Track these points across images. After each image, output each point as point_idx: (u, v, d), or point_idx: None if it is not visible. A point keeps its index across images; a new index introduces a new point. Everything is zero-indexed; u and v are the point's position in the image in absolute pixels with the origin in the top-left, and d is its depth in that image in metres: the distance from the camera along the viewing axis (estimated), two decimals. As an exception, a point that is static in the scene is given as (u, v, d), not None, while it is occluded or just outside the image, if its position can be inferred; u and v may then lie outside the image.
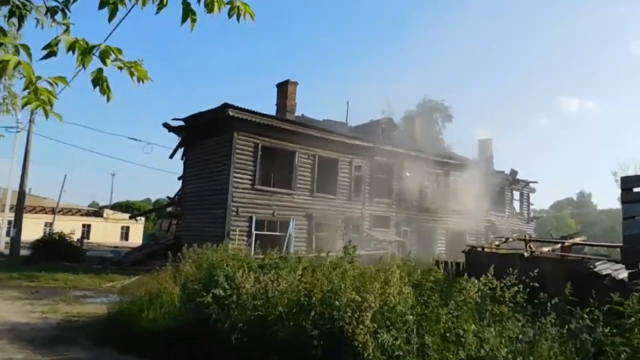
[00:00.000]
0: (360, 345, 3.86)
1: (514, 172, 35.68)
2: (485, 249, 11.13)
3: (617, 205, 70.46)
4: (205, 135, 20.57)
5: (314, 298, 4.48)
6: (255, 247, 18.56)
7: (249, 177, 19.14)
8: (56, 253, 19.16)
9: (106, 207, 63.30)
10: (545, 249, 10.41)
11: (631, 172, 77.61)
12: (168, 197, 25.23)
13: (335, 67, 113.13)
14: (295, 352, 4.19)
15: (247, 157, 19.14)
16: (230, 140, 18.65)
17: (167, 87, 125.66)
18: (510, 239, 12.77)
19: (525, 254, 9.43)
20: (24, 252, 20.47)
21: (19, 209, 21.02)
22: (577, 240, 11.59)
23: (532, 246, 12.66)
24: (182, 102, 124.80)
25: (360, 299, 4.05)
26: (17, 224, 20.84)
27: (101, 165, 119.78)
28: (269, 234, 19.59)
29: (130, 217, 37.99)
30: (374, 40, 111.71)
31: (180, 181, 23.75)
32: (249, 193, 19.07)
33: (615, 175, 67.52)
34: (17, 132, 24.00)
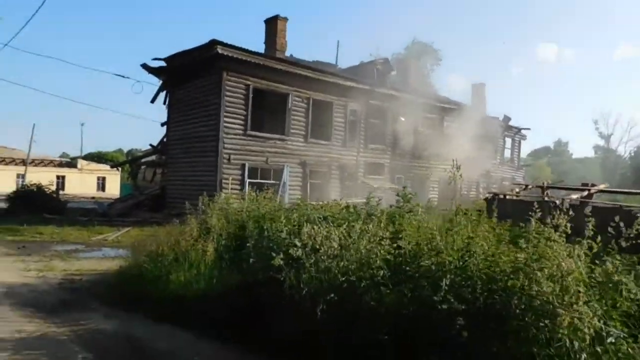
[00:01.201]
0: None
1: (507, 119, 35.40)
2: (507, 197, 10.74)
3: (592, 153, 72.05)
4: (191, 77, 19.30)
5: (435, 260, 3.65)
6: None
7: (241, 121, 18.19)
8: (35, 205, 18.22)
9: (78, 158, 61.39)
10: (574, 196, 10.02)
11: (612, 121, 78.95)
12: (151, 145, 24.13)
13: (321, 5, 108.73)
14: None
15: (238, 100, 18.10)
16: (219, 81, 17.51)
17: (135, 27, 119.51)
18: (530, 186, 12.41)
19: (557, 202, 9.04)
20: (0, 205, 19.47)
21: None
22: (602, 187, 11.24)
23: (548, 193, 12.38)
24: (153, 42, 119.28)
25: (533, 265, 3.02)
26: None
27: (68, 114, 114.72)
28: (263, 182, 18.90)
29: (112, 167, 36.73)
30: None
31: (164, 128, 22.63)
32: (241, 139, 18.21)
33: (596, 123, 68.44)
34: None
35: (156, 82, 21.97)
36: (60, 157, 63.64)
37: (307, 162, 20.44)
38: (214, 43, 16.72)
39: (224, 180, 17.47)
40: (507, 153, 36.54)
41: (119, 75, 19.04)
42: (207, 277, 5.30)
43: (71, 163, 54.41)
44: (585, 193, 10.75)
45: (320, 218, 5.39)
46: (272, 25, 22.92)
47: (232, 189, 17.62)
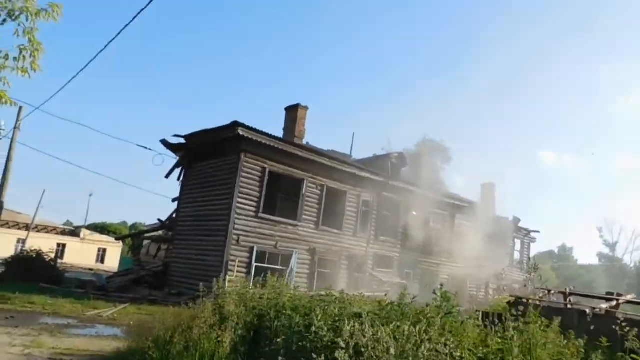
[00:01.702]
0: None
1: (516, 220, 35.12)
2: (530, 301, 10.12)
3: (596, 260, 70.84)
4: (208, 156, 19.51)
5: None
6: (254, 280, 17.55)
7: (254, 203, 18.00)
8: (32, 273, 17.57)
9: (82, 227, 61.05)
10: (603, 305, 9.40)
11: (616, 230, 78.61)
12: (159, 220, 23.81)
13: (338, 98, 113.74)
14: None
15: (253, 182, 18.07)
16: (237, 162, 17.60)
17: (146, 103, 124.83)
18: (552, 292, 11.78)
19: (587, 311, 8.43)
20: (-3, 269, 18.81)
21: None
22: (629, 297, 10.65)
23: (571, 300, 11.71)
24: (164, 120, 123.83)
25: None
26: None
27: (78, 184, 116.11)
28: (270, 267, 18.26)
29: (117, 239, 36.17)
30: (378, 77, 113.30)
31: (174, 204, 22.47)
32: (252, 221, 17.89)
33: (600, 231, 68.18)
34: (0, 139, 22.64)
35: (173, 157, 22.27)
36: (64, 224, 63.33)
37: (316, 250, 19.91)
38: (235, 124, 17.03)
39: (230, 262, 16.88)
40: (516, 255, 35.79)
41: (141, 146, 19.22)
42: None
43: (74, 232, 53.87)
44: (614, 303, 10.22)
45: (357, 314, 4.84)
46: (293, 112, 23.63)
47: (237, 272, 17.02)
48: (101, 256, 54.62)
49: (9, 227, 40.23)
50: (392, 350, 3.41)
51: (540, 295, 11.53)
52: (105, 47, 10.59)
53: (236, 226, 17.28)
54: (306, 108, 23.84)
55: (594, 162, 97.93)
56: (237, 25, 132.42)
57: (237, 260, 17.08)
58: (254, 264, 17.59)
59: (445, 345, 3.42)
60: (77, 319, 11.12)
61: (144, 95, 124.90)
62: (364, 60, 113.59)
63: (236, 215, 17.32)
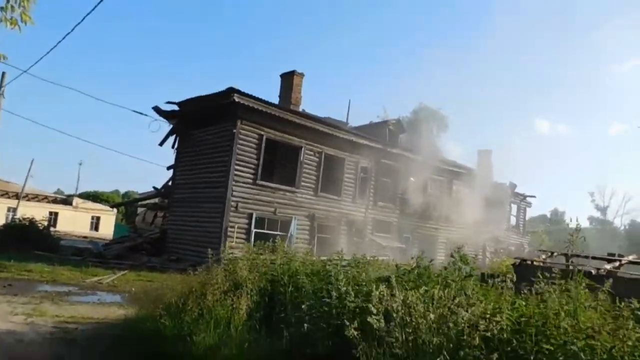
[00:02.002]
0: None
1: (513, 185, 35.22)
2: (535, 263, 10.10)
3: (587, 224, 72.03)
4: (204, 123, 19.04)
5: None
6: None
7: (251, 170, 17.75)
8: (26, 240, 17.35)
9: (74, 195, 60.69)
10: (607, 266, 9.41)
11: (608, 194, 79.63)
12: (154, 188, 23.55)
13: (333, 64, 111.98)
14: None
15: (250, 149, 17.76)
16: (233, 129, 17.22)
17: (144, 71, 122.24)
18: (556, 254, 11.76)
19: (593, 272, 8.39)
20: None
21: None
22: (631, 258, 10.67)
23: (573, 261, 11.72)
24: (159, 88, 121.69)
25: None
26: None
27: (68, 151, 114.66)
28: (269, 232, 18.18)
29: (112, 206, 36.04)
30: (379, 40, 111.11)
31: (169, 172, 22.17)
32: (250, 188, 17.67)
33: (592, 195, 69.28)
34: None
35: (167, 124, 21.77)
36: (55, 193, 62.85)
37: (315, 216, 19.82)
38: (231, 91, 16.58)
39: (229, 229, 16.75)
40: (513, 219, 36.12)
41: (137, 112, 18.51)
42: (238, 342, 4.47)
43: (66, 200, 53.41)
44: (617, 264, 10.33)
45: (383, 278, 4.69)
46: (289, 79, 23.07)
47: (237, 238, 16.92)
48: (95, 224, 54.44)
49: (-1, 196, 39.74)
50: (431, 316, 3.23)
51: (543, 257, 11.51)
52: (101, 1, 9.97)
53: (234, 193, 17.07)
54: (302, 75, 23.30)
55: (588, 130, 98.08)
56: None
57: (236, 227, 16.95)
58: (253, 230, 17.49)
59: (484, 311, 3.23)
60: (77, 286, 10.99)
61: (136, 57, 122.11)
62: (363, 23, 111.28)
63: (234, 183, 17.09)
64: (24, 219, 18.94)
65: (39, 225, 19.69)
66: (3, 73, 20.40)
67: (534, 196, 37.53)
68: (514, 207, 36.26)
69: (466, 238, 27.74)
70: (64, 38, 11.16)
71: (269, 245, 7.14)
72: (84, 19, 10.07)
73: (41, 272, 12.48)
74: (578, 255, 13.19)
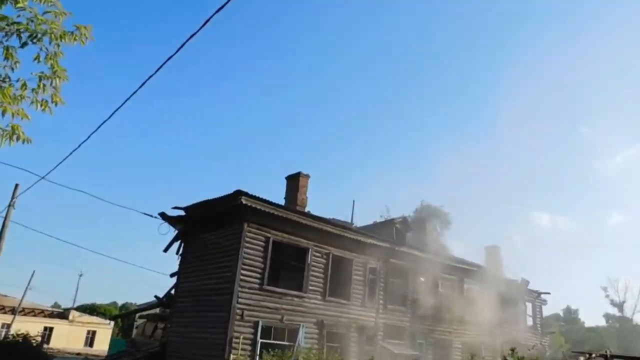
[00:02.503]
0: None
1: (525, 282, 34.22)
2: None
3: (602, 322, 68.70)
4: (209, 227, 19.07)
5: None
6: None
7: (258, 275, 17.37)
8: (18, 359, 16.42)
9: (71, 309, 59.07)
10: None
11: (621, 286, 77.12)
12: (156, 297, 22.87)
13: (336, 167, 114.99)
14: None
15: (257, 253, 17.55)
16: (240, 232, 17.19)
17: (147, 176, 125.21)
18: (594, 355, 11.11)
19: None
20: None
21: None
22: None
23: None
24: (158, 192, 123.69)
25: None
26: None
27: (65, 262, 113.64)
28: (276, 342, 17.31)
29: (111, 319, 34.78)
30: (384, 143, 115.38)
31: (173, 279, 21.68)
32: (256, 294, 17.16)
33: (605, 290, 66.68)
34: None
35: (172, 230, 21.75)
36: (52, 307, 61.22)
37: (324, 323, 18.99)
38: (238, 193, 16.82)
39: (234, 340, 15.93)
40: (529, 319, 34.52)
41: (147, 214, 18.49)
42: None
43: (62, 314, 51.89)
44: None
45: None
46: (294, 181, 23.48)
47: (242, 349, 16.06)
48: (90, 339, 52.61)
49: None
50: None
51: (581, 359, 10.83)
52: (115, 112, 10.48)
53: (240, 300, 16.53)
54: (307, 176, 23.76)
55: (587, 222, 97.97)
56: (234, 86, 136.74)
57: (241, 337, 16.16)
58: (259, 340, 16.64)
59: None
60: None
61: (133, 165, 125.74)
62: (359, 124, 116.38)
63: (239, 288, 16.63)
64: (17, 335, 18.13)
65: (33, 341, 18.81)
66: (16, 185, 20.84)
67: (548, 293, 36.30)
68: (529, 306, 34.89)
69: (482, 341, 26.39)
70: (79, 146, 11.51)
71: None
72: (99, 127, 10.48)
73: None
74: (619, 356, 12.46)
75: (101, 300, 72.45)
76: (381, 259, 22.42)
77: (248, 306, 16.68)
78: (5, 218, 20.82)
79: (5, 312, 39.50)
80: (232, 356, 15.49)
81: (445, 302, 25.20)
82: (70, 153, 11.09)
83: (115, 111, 9.29)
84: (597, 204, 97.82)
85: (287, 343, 17.58)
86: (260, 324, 16.81)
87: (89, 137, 11.46)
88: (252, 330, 16.60)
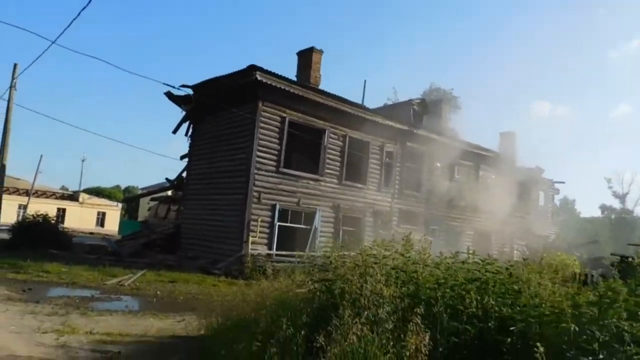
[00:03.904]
0: None
1: (539, 170, 34.03)
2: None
3: (598, 212, 70.23)
4: (221, 107, 18.15)
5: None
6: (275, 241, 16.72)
7: (274, 157, 16.98)
8: (40, 239, 16.88)
9: (79, 192, 60.71)
10: None
11: (627, 179, 77.64)
12: (167, 179, 22.91)
13: (344, 44, 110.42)
14: None
15: (272, 134, 16.97)
16: (255, 111, 16.43)
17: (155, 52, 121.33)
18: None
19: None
20: (1, 236, 18.08)
21: (-1, 186, 18.39)
22: None
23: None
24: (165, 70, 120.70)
25: None
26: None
27: (69, 145, 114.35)
28: (293, 226, 17.54)
29: (124, 201, 35.67)
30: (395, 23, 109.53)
31: (183, 162, 21.52)
32: (273, 176, 16.91)
33: (609, 182, 66.80)
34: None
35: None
36: (61, 189, 62.92)
37: (340, 207, 19.04)
38: (252, 69, 15.77)
39: (252, 222, 16.02)
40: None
41: (167, 84, 17.35)
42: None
43: (72, 196, 53.41)
44: None
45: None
46: (306, 57, 22.05)
47: (260, 232, 16.22)
48: (101, 220, 54.86)
49: (10, 193, 39.59)
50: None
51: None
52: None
53: (256, 182, 16.32)
54: (321, 52, 22.22)
55: (589, 112, 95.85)
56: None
57: (259, 220, 16.23)
58: (277, 223, 16.76)
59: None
60: (99, 290, 10.37)
61: (140, 41, 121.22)
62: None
63: (256, 171, 16.34)
64: (37, 215, 18.39)
65: (52, 221, 19.19)
66: (15, 65, 19.78)
67: (563, 182, 36.41)
68: (541, 194, 35.07)
69: (493, 229, 26.80)
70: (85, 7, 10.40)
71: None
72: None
73: (59, 272, 11.90)
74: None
75: (105, 184, 74.24)
76: (398, 142, 21.90)
77: (265, 189, 16.53)
78: (9, 100, 20.09)
79: (20, 194, 40.55)
80: (250, 238, 15.67)
81: (460, 189, 25.20)
82: (78, 14, 9.95)
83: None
84: (606, 93, 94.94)
85: (304, 226, 17.79)
86: (277, 207, 16.80)
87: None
88: (269, 213, 16.63)
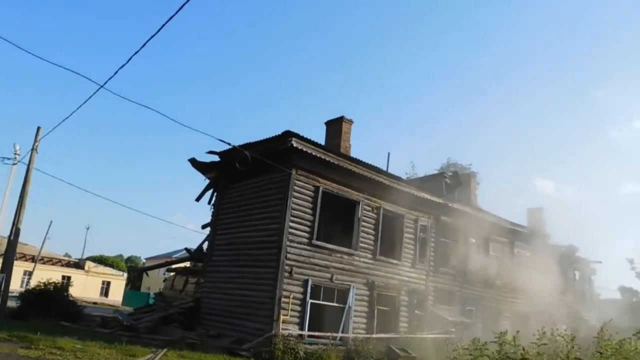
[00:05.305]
0: None
1: (573, 248, 32.72)
2: None
3: (618, 295, 67.28)
4: (249, 174, 17.73)
5: None
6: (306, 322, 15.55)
7: (307, 228, 16.23)
8: (50, 308, 15.95)
9: (85, 259, 59.93)
10: None
11: None
12: (186, 249, 22.11)
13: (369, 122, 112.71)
14: None
15: (305, 203, 16.34)
16: (288, 179, 15.91)
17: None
18: None
19: None
20: (10, 304, 17.18)
21: (11, 251, 17.70)
22: None
23: None
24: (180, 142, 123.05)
25: None
26: (6, 269, 17.41)
27: (73, 212, 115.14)
28: (325, 304, 16.40)
29: (140, 272, 34.69)
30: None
31: (206, 231, 20.80)
32: (305, 249, 16.07)
33: (631, 262, 64.65)
34: (14, 164, 21.12)
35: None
36: (65, 257, 62.27)
37: (375, 284, 17.96)
38: (288, 134, 15.45)
39: (283, 299, 14.95)
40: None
41: (213, 153, 17.24)
42: None
43: (78, 264, 52.67)
44: None
45: None
46: (336, 127, 21.80)
47: (291, 310, 15.12)
48: (105, 289, 53.98)
49: (16, 259, 39.03)
50: None
51: None
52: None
53: (288, 255, 15.46)
54: (351, 121, 22.06)
55: (596, 191, 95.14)
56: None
57: (290, 296, 15.17)
58: (309, 301, 15.67)
59: None
60: (121, 374, 9.29)
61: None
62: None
63: (288, 242, 15.53)
64: (48, 283, 17.54)
65: (65, 292, 18.36)
66: (38, 128, 19.82)
67: (599, 261, 34.80)
68: (576, 275, 33.51)
69: (533, 311, 25.18)
70: (137, 52, 10.20)
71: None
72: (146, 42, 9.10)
73: (73, 350, 10.85)
74: None
75: (107, 252, 73.64)
76: (432, 216, 21.16)
77: (297, 262, 15.63)
78: (29, 162, 19.93)
79: (26, 260, 39.89)
80: (282, 317, 14.56)
81: (496, 267, 24.01)
82: (128, 60, 9.74)
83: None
84: (610, 173, 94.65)
85: (337, 305, 16.65)
86: (309, 282, 15.79)
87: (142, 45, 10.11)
88: (301, 289, 15.59)
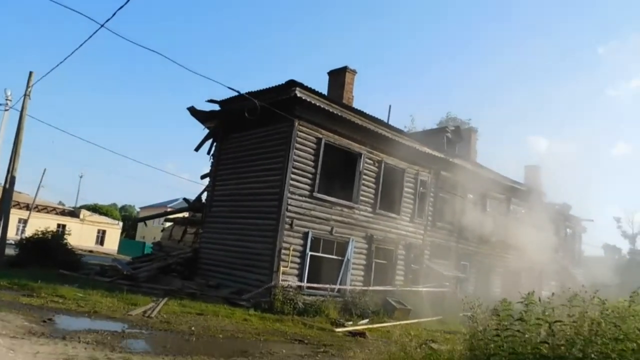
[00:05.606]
0: None
1: (567, 206, 32.96)
2: None
3: (602, 252, 68.78)
4: (250, 125, 17.17)
5: None
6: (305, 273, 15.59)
7: (308, 180, 15.97)
8: (49, 256, 15.82)
9: (80, 208, 59.75)
10: None
11: (638, 218, 76.06)
12: (185, 200, 21.91)
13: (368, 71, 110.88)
14: None
15: (307, 155, 16.01)
16: (290, 130, 15.49)
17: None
18: None
19: None
20: (8, 252, 17.08)
21: (7, 199, 17.38)
22: None
23: None
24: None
25: None
26: (3, 218, 17.15)
27: (68, 159, 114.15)
28: (324, 256, 16.40)
29: (138, 221, 34.69)
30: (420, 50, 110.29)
31: (205, 181, 20.55)
32: (306, 202, 15.88)
33: (619, 221, 65.73)
34: (6, 110, 20.43)
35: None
36: (59, 205, 62.08)
37: (373, 237, 17.94)
38: (291, 84, 14.97)
39: (283, 251, 14.89)
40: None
41: (212, 101, 16.90)
42: None
43: (73, 212, 52.48)
44: None
45: None
46: (339, 77, 21.19)
47: (291, 261, 15.10)
48: (100, 238, 54.07)
49: (11, 207, 38.82)
50: None
51: None
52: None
53: (290, 207, 15.28)
54: (354, 72, 21.39)
55: (590, 149, 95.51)
56: None
57: (291, 248, 15.12)
58: (309, 253, 15.64)
59: None
60: (125, 322, 9.24)
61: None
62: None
63: (289, 195, 15.31)
64: (46, 232, 17.34)
65: (63, 240, 18.21)
66: (30, 73, 19.07)
67: (591, 220, 35.14)
68: (568, 232, 33.84)
69: (524, 267, 25.52)
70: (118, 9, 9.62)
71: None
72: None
73: (75, 298, 10.81)
74: None
75: (101, 201, 73.49)
76: (432, 171, 20.96)
77: (298, 214, 15.48)
78: (22, 109, 19.31)
79: (20, 208, 39.57)
80: (281, 268, 14.55)
81: (492, 223, 24.10)
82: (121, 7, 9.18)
83: None
84: (604, 131, 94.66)
85: (336, 257, 16.66)
86: (310, 234, 15.71)
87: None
88: (301, 242, 15.53)
